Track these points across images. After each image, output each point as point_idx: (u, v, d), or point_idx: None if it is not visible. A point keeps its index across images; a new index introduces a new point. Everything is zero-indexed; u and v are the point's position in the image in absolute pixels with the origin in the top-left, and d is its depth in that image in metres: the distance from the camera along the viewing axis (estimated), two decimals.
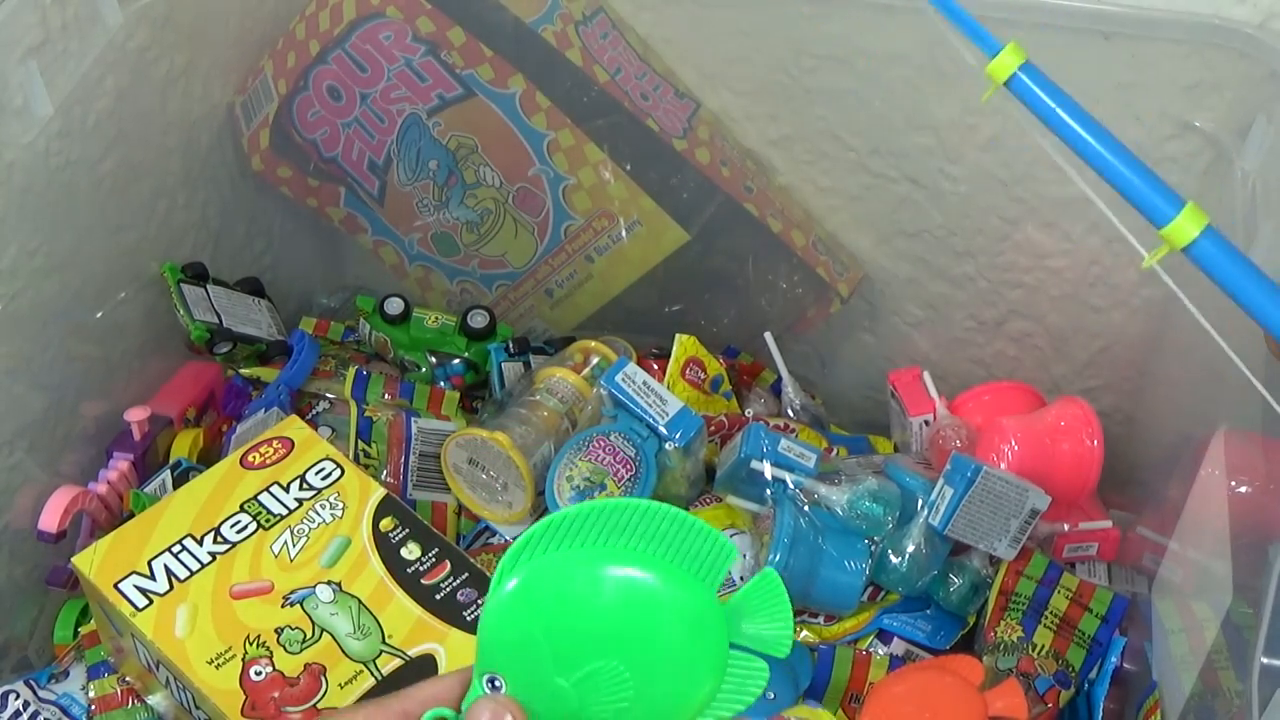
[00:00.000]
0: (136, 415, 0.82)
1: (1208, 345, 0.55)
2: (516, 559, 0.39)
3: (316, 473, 0.72)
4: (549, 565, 0.39)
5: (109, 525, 0.78)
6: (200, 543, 0.68)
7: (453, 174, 0.90)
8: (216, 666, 0.63)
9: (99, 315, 0.83)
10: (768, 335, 0.90)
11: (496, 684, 0.39)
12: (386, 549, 0.68)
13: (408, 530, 0.69)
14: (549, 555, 0.39)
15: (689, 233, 0.90)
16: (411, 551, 0.68)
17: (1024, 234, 0.93)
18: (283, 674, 0.63)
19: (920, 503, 0.75)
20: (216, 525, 0.69)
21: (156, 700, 0.71)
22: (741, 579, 0.77)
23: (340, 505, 0.70)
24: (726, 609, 0.40)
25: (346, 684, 0.63)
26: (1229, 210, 0.75)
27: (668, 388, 0.80)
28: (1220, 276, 0.54)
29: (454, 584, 0.67)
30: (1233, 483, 0.64)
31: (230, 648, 0.64)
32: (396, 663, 0.64)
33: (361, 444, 0.83)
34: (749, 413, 0.89)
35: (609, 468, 0.76)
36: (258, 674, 0.63)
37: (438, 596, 0.66)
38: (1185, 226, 0.54)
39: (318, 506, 0.70)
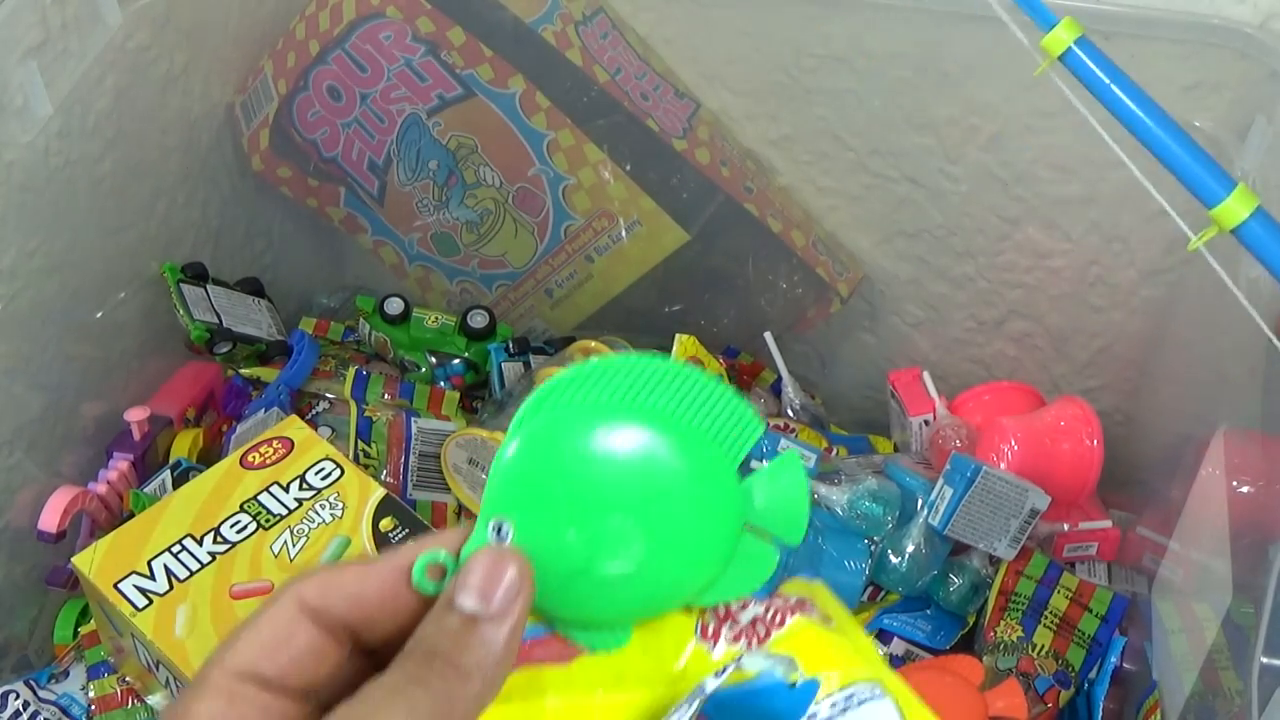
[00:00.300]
0: (136, 415, 0.82)
1: (1208, 344, 0.55)
2: (542, 402, 0.37)
3: (316, 473, 0.72)
4: (575, 411, 0.37)
5: (109, 525, 0.78)
6: (200, 543, 0.68)
7: (453, 174, 0.90)
8: None
9: (98, 315, 0.83)
10: (768, 335, 0.90)
11: (503, 531, 0.36)
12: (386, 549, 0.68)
13: (408, 530, 0.69)
14: (576, 402, 0.37)
15: (689, 233, 0.90)
16: None
17: (1024, 234, 0.93)
18: None
19: (920, 503, 0.75)
20: (216, 525, 0.69)
21: (156, 700, 0.71)
22: None
23: (340, 505, 0.70)
24: (744, 486, 0.38)
25: None
26: None
27: None
28: (1269, 259, 0.54)
29: None
30: (1233, 482, 0.64)
31: None
32: None
33: (361, 444, 0.83)
34: None
35: None
36: None
37: None
38: (1235, 208, 0.53)
39: (318, 506, 0.70)
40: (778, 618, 0.39)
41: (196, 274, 0.89)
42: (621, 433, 0.37)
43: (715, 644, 0.38)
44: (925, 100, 0.89)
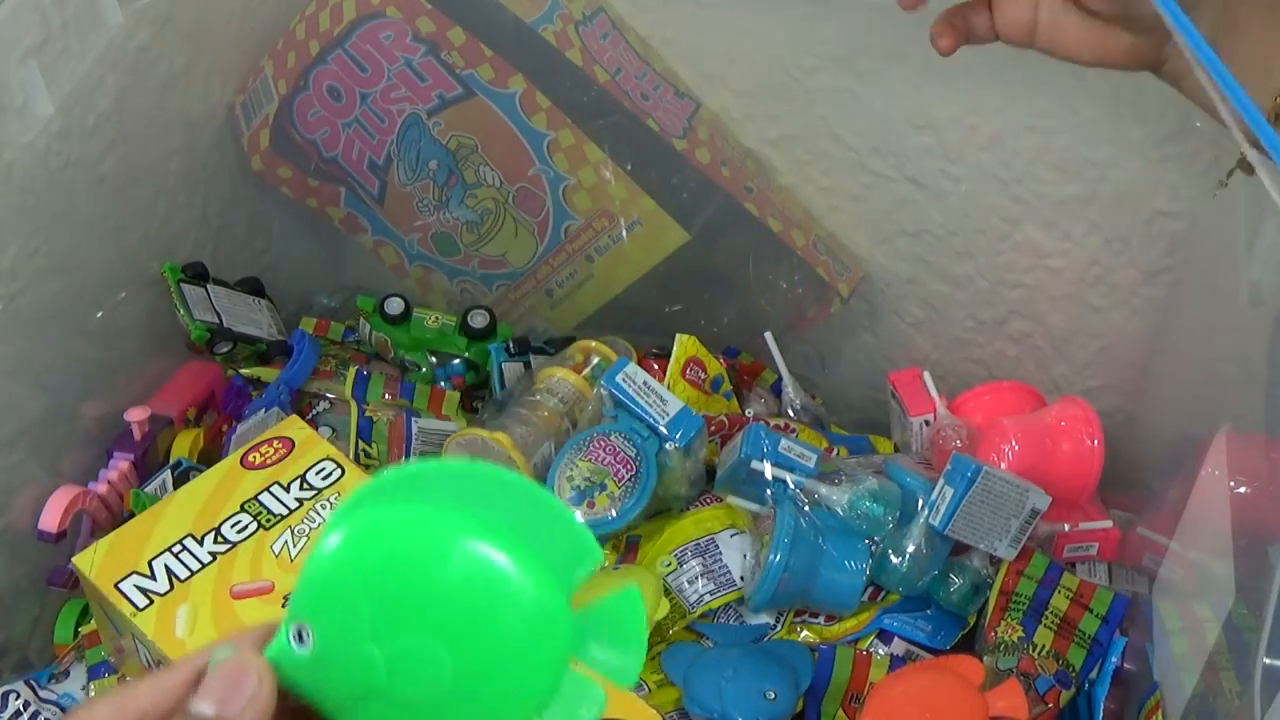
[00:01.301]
0: (137, 415, 0.82)
1: (1209, 344, 0.55)
2: (364, 501, 0.35)
3: (317, 473, 0.72)
4: (392, 517, 0.34)
5: (109, 525, 0.78)
6: (201, 543, 0.68)
7: (453, 174, 0.90)
8: None
9: (99, 315, 0.83)
10: (768, 335, 0.90)
11: (304, 637, 0.35)
12: None
13: None
14: (400, 505, 0.34)
15: (689, 233, 0.90)
16: None
17: (1024, 234, 0.93)
18: None
19: (920, 503, 0.75)
20: (217, 525, 0.69)
21: None
22: (742, 579, 0.77)
23: None
24: (576, 619, 0.35)
25: None
26: (1229, 210, 0.75)
27: (668, 388, 0.80)
28: None
29: None
30: (1234, 483, 0.64)
31: None
32: None
33: (362, 444, 0.83)
34: (749, 413, 0.89)
35: (609, 467, 0.76)
36: None
37: None
38: None
39: (318, 506, 0.70)
40: None
41: (197, 274, 0.89)
42: (440, 547, 0.34)
43: None
44: (925, 100, 0.89)
